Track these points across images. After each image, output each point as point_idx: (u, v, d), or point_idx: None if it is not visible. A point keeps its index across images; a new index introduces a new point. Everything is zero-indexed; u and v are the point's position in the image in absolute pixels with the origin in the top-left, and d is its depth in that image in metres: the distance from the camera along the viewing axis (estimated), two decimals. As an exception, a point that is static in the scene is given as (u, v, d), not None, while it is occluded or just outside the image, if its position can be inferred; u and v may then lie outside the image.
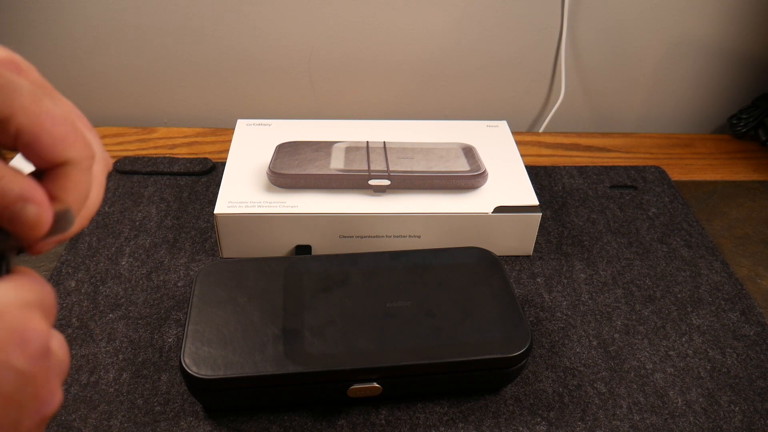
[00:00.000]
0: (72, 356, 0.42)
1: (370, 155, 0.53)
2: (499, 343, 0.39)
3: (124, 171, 0.59)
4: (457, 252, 0.45)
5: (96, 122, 0.72)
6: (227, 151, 0.64)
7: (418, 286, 0.42)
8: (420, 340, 0.39)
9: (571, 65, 0.70)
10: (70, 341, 0.43)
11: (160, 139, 0.66)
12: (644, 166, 0.63)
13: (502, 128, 0.59)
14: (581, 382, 0.42)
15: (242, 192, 0.50)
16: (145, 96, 0.71)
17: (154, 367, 0.42)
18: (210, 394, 0.37)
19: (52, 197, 0.22)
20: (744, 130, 0.69)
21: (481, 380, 0.39)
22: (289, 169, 0.51)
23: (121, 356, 0.43)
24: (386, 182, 0.50)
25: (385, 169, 0.52)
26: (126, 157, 0.61)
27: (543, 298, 0.48)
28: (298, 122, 0.59)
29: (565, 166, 0.63)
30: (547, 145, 0.67)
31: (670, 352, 0.44)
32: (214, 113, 0.72)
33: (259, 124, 0.58)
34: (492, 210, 0.49)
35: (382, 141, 0.56)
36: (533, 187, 0.53)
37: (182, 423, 0.39)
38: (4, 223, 0.21)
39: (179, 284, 0.48)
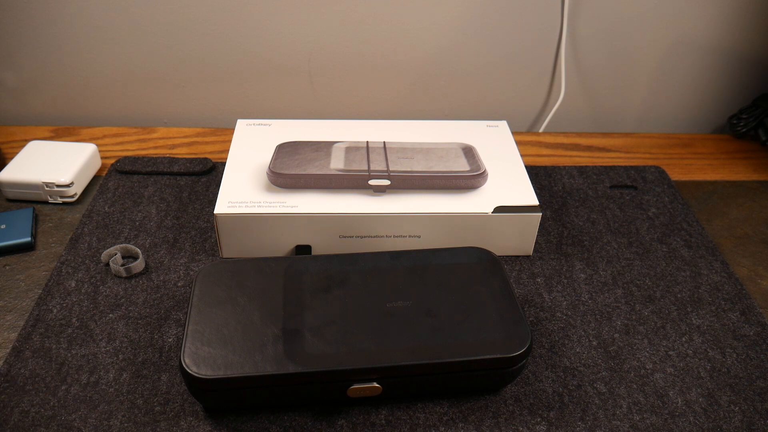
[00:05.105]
0: (72, 356, 0.43)
1: (370, 155, 0.53)
2: (499, 343, 0.39)
3: (124, 171, 0.59)
4: (457, 252, 0.45)
5: (96, 122, 0.72)
6: (227, 151, 0.64)
7: (418, 286, 0.42)
8: (420, 340, 0.39)
9: (571, 65, 0.70)
10: (70, 341, 0.43)
11: (160, 139, 0.66)
12: (644, 166, 0.63)
13: (502, 128, 0.59)
14: (581, 382, 0.42)
15: (242, 192, 0.50)
16: (145, 96, 0.71)
17: (154, 367, 0.42)
18: (210, 394, 0.37)
19: None
20: (744, 130, 0.69)
21: (481, 380, 0.39)
22: (289, 169, 0.51)
23: (121, 356, 0.43)
24: (386, 182, 0.50)
25: (385, 169, 0.52)
26: (126, 157, 0.61)
27: (543, 298, 0.48)
28: (298, 122, 0.59)
29: (565, 166, 0.63)
30: (547, 145, 0.67)
31: (670, 352, 0.44)
32: (214, 113, 0.72)
33: (259, 124, 0.58)
34: (492, 210, 0.49)
35: (382, 141, 0.56)
36: (533, 187, 0.53)
37: (182, 423, 0.39)
38: None
39: (179, 284, 0.48)
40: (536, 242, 0.53)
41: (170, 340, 0.44)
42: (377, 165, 0.52)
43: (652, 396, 0.41)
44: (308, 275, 0.43)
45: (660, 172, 0.62)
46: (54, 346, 0.43)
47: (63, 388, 0.40)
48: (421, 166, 0.52)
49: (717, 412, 0.41)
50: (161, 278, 0.49)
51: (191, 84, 0.70)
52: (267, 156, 0.54)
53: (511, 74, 0.71)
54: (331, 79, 0.70)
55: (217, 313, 0.40)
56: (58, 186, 0.55)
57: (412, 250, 0.45)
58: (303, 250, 0.50)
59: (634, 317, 0.47)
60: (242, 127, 0.58)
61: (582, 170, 0.62)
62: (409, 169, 0.51)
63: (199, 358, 0.37)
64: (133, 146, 0.65)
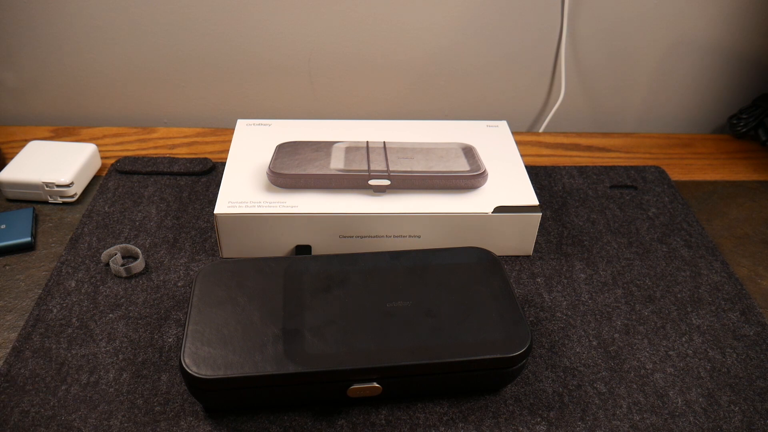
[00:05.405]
0: (72, 356, 0.43)
1: (370, 155, 0.53)
2: (499, 343, 0.39)
3: (124, 171, 0.59)
4: (457, 252, 0.45)
5: (96, 122, 0.72)
6: (227, 151, 0.64)
7: (418, 286, 0.42)
8: (420, 340, 0.39)
9: (571, 65, 0.70)
10: (70, 341, 0.43)
11: (160, 139, 0.66)
12: (644, 166, 0.63)
13: (502, 128, 0.59)
14: (581, 382, 0.42)
15: (242, 192, 0.50)
16: (145, 96, 0.71)
17: (154, 367, 0.42)
18: (210, 394, 0.37)
19: None
20: (744, 130, 0.69)
21: (481, 380, 0.39)
22: (289, 169, 0.51)
23: (121, 356, 0.43)
24: (386, 182, 0.50)
25: (385, 169, 0.52)
26: (126, 157, 0.61)
27: (543, 298, 0.48)
28: (298, 122, 0.59)
29: (565, 166, 0.63)
30: (547, 145, 0.67)
31: (670, 352, 0.44)
32: (214, 113, 0.72)
33: (259, 124, 0.58)
34: (492, 210, 0.49)
35: (382, 141, 0.56)
36: (533, 187, 0.53)
37: (182, 423, 0.39)
38: None
39: (179, 284, 0.48)
40: (536, 242, 0.53)
41: (170, 340, 0.44)
42: (377, 165, 0.52)
43: (652, 396, 0.41)
44: (308, 275, 0.43)
45: (660, 172, 0.62)
46: (54, 346, 0.43)
47: (63, 388, 0.40)
48: (421, 166, 0.52)
49: (717, 412, 0.41)
50: (161, 278, 0.49)
51: (191, 84, 0.70)
52: (267, 156, 0.54)
53: (511, 74, 0.71)
54: (331, 79, 0.70)
55: (217, 313, 0.40)
56: (58, 186, 0.55)
57: (412, 250, 0.45)
58: (303, 250, 0.50)
59: (634, 317, 0.47)
60: (242, 127, 0.58)
61: (582, 170, 0.62)
62: (409, 169, 0.51)
63: (199, 358, 0.37)
64: (133, 146, 0.65)
